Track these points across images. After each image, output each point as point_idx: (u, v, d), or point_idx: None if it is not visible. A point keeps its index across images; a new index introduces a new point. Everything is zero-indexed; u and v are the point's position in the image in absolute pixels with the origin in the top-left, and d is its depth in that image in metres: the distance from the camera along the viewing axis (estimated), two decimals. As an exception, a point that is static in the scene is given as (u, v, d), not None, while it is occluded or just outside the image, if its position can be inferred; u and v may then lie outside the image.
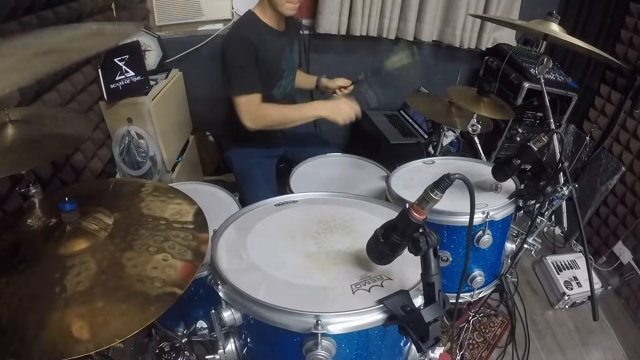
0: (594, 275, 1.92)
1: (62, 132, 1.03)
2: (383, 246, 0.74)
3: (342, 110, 1.48)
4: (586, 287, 1.96)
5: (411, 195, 1.18)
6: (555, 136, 1.56)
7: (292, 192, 1.41)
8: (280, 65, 1.66)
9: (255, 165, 1.75)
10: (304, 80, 1.94)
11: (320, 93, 1.90)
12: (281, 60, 1.65)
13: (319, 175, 1.63)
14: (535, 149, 1.13)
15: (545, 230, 2.21)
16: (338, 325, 0.68)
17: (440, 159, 1.49)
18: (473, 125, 1.73)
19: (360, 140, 2.69)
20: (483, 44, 2.57)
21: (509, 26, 1.89)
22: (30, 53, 0.65)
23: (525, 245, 1.28)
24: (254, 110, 1.49)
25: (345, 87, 1.80)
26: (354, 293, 0.76)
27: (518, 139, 2.43)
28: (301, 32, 1.92)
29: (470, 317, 1.68)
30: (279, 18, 1.60)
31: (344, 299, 0.75)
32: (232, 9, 2.21)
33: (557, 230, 2.33)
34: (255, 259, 0.86)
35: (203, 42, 2.20)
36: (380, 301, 0.71)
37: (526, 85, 2.26)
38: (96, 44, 0.78)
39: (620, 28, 2.21)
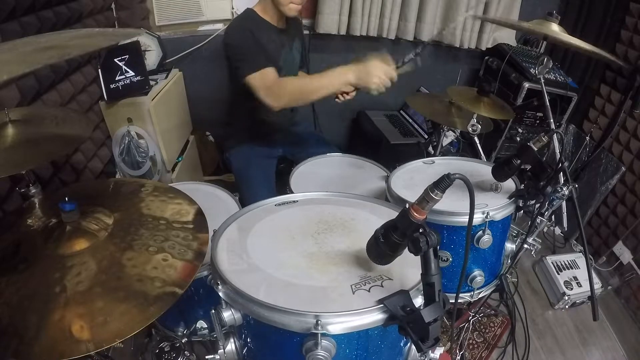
0: (594, 275, 1.92)
1: (62, 132, 1.02)
2: (383, 246, 0.74)
3: (373, 74, 1.28)
4: (586, 287, 1.96)
5: (411, 195, 1.18)
6: (555, 136, 1.56)
7: (292, 192, 1.41)
8: (279, 62, 1.65)
9: (255, 166, 1.75)
10: None
11: None
12: (279, 58, 1.65)
13: (319, 175, 1.63)
14: (535, 149, 1.12)
15: (545, 230, 2.21)
16: (338, 325, 0.68)
17: (440, 159, 1.49)
18: (473, 125, 1.73)
19: (360, 140, 2.69)
20: (483, 44, 2.57)
21: (509, 27, 1.89)
22: (30, 49, 0.65)
23: (525, 245, 1.28)
24: (270, 84, 1.38)
25: (347, 93, 1.77)
26: (354, 293, 0.76)
27: (518, 139, 2.43)
28: (304, 31, 1.91)
29: (470, 317, 1.68)
30: (279, 16, 1.60)
31: (344, 299, 0.75)
32: (232, 9, 2.21)
33: (557, 230, 2.33)
34: (255, 259, 0.86)
35: (203, 42, 2.20)
36: (380, 301, 0.71)
37: (526, 85, 2.26)
38: (97, 42, 0.78)
39: (620, 28, 2.21)
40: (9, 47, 0.66)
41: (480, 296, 1.27)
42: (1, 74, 0.48)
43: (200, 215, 0.96)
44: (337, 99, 1.76)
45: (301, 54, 1.82)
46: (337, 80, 1.33)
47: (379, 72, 1.26)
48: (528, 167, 1.15)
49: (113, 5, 1.89)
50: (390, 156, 2.16)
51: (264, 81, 1.37)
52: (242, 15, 1.61)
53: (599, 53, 1.33)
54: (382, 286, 0.78)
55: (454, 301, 0.82)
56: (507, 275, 1.32)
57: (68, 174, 1.47)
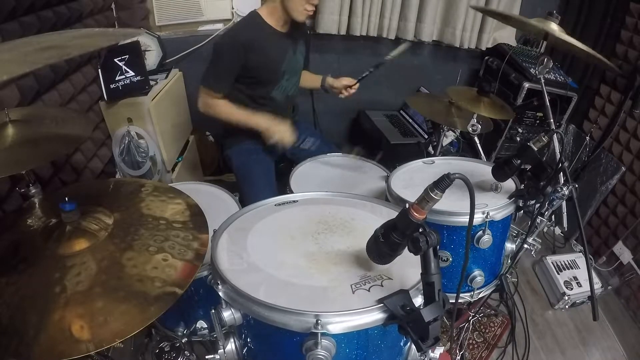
0: (594, 275, 1.92)
1: (62, 132, 1.03)
2: (383, 246, 0.74)
3: (279, 132, 1.58)
4: (586, 287, 1.96)
5: (411, 195, 1.17)
6: (555, 136, 1.56)
7: (292, 192, 1.41)
8: (280, 66, 1.65)
9: (255, 162, 1.75)
10: (309, 79, 1.94)
11: (325, 92, 1.89)
12: (282, 62, 1.65)
13: (319, 175, 1.63)
14: (535, 149, 1.13)
15: (545, 230, 2.20)
16: (338, 324, 0.68)
17: (440, 159, 1.49)
18: (473, 125, 1.73)
19: (360, 140, 2.69)
20: (483, 44, 2.57)
21: (510, 23, 1.87)
22: (31, 49, 0.65)
23: (525, 245, 1.28)
24: (209, 103, 1.63)
25: (350, 86, 1.80)
26: (353, 293, 0.76)
27: (518, 139, 2.43)
28: (308, 32, 1.91)
29: (470, 317, 1.68)
30: (285, 20, 1.61)
31: (343, 298, 0.75)
32: (232, 9, 2.21)
33: (557, 230, 2.32)
34: (255, 259, 0.86)
35: (203, 42, 2.20)
36: (380, 301, 0.71)
37: (526, 85, 2.26)
38: (97, 42, 0.78)
39: (620, 28, 2.21)
40: (9, 47, 0.66)
41: (480, 296, 1.28)
42: (1, 74, 0.48)
43: (200, 215, 0.96)
44: (340, 95, 1.78)
45: (305, 54, 1.82)
46: (253, 123, 1.62)
47: (284, 133, 1.58)
48: (528, 167, 1.15)
49: (113, 5, 1.89)
50: (390, 156, 2.16)
51: (206, 98, 1.63)
52: (245, 21, 1.61)
53: (595, 57, 1.31)
54: (382, 286, 0.78)
55: (454, 301, 0.82)
56: (507, 275, 1.32)
57: (68, 174, 1.47)
